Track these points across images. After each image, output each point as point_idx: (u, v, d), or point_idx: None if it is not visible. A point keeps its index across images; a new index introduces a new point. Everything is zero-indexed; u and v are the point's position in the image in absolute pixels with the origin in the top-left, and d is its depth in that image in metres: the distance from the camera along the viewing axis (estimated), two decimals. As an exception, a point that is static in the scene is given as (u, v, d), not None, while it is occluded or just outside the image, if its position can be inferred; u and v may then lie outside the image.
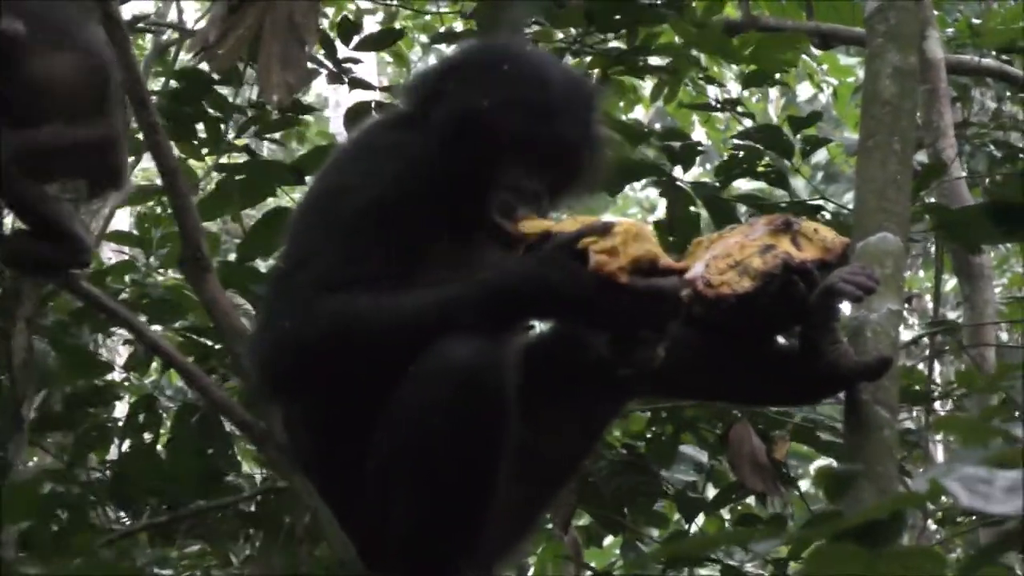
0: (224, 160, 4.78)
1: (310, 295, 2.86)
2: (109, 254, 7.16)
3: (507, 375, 2.84)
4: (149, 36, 7.07)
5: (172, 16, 8.05)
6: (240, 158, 4.81)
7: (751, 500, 5.30)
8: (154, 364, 5.06)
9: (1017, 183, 4.97)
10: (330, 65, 5.02)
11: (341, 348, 2.86)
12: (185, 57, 5.50)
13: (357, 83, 5.06)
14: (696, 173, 5.58)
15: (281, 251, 3.14)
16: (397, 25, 9.12)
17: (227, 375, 4.58)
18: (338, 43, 5.09)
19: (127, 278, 4.80)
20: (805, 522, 2.29)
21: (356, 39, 5.11)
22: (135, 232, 5.08)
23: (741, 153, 4.85)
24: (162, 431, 4.76)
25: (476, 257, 3.03)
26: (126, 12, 5.79)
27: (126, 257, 5.26)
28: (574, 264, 2.79)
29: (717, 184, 4.89)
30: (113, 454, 5.05)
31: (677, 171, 4.87)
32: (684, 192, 4.80)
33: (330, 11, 8.27)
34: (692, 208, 4.81)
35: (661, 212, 5.06)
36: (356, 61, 5.08)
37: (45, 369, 4.54)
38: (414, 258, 2.92)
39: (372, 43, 5.09)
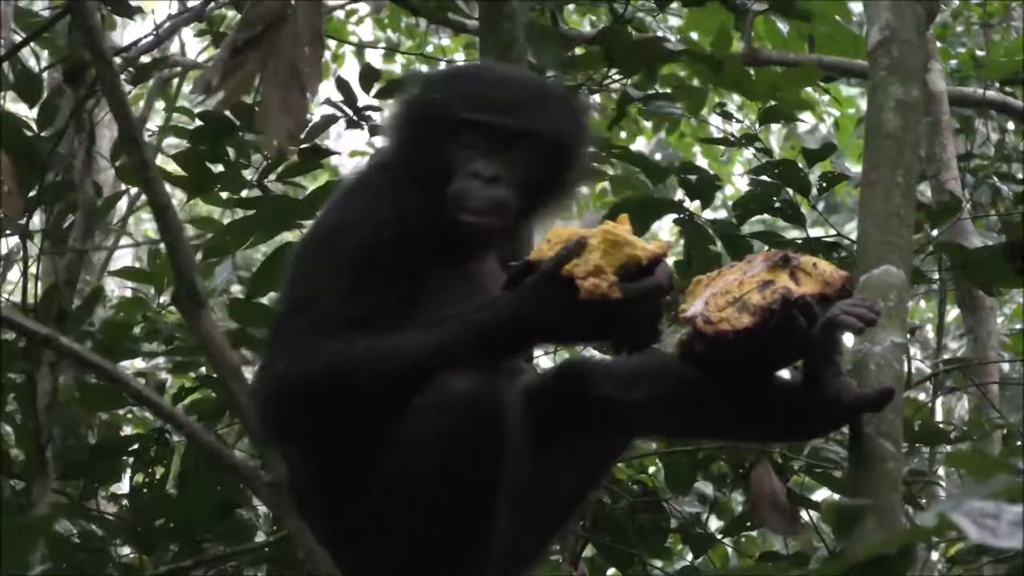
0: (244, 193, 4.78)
1: (308, 339, 2.87)
2: (114, 287, 7.18)
3: (506, 407, 2.85)
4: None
5: (175, 48, 8.08)
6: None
7: (755, 533, 5.29)
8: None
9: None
10: (349, 112, 5.03)
11: (339, 392, 2.87)
12: (187, 92, 5.52)
13: (377, 130, 5.08)
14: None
15: (280, 292, 3.15)
16: (399, 58, 9.19)
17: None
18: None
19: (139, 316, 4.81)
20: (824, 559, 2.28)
21: (376, 87, 5.13)
22: (144, 267, 5.07)
23: (758, 189, 4.83)
24: (173, 463, 4.74)
25: (475, 285, 3.05)
26: (126, 38, 5.80)
27: (132, 293, 5.26)
28: (563, 296, 2.80)
29: (734, 220, 4.86)
30: (124, 485, 5.06)
31: (695, 206, 4.86)
32: (702, 229, 4.78)
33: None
34: (711, 246, 4.78)
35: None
36: (377, 109, 5.09)
37: (70, 412, 4.56)
38: (411, 294, 2.93)
39: (392, 91, 5.10)
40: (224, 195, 4.74)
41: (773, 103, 5.12)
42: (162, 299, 4.86)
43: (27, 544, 1.69)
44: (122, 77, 4.73)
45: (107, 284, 6.39)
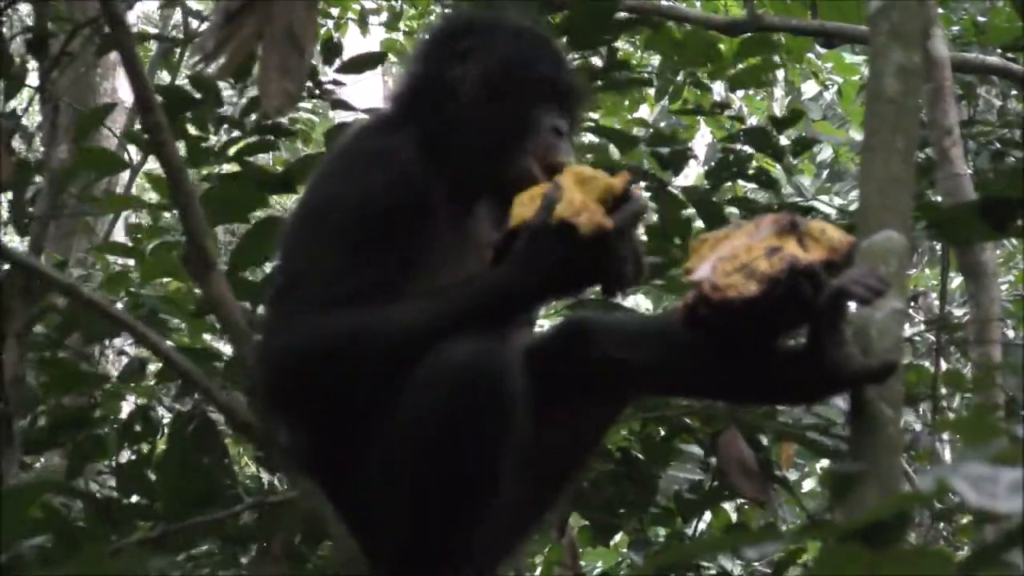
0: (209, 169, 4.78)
1: (307, 314, 2.88)
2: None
3: (508, 373, 2.85)
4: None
5: (177, 18, 8.06)
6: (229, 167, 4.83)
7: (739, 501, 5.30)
8: (149, 374, 5.07)
9: (1013, 178, 4.96)
10: (312, 86, 5.06)
11: (341, 366, 2.88)
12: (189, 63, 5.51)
13: (339, 104, 5.09)
14: (699, 173, 5.60)
15: (275, 265, 3.15)
16: (402, 25, 9.16)
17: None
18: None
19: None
20: (801, 526, 2.27)
21: (338, 62, 5.16)
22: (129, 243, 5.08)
23: (731, 156, 4.87)
24: (160, 439, 4.74)
25: (474, 247, 3.05)
26: (132, 15, 5.80)
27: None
28: (561, 243, 2.82)
29: (708, 187, 4.90)
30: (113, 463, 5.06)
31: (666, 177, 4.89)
32: (674, 196, 4.81)
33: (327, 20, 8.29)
34: (683, 212, 4.82)
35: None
36: (339, 84, 5.11)
37: (33, 388, 4.55)
38: (410, 262, 2.93)
39: (355, 66, 5.11)
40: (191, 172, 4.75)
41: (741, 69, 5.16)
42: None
43: (18, 513, 1.68)
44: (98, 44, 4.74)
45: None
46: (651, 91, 7.39)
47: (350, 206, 2.95)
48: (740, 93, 8.03)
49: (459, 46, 3.13)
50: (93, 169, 4.83)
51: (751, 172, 4.88)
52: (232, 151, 4.78)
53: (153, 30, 8.49)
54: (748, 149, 4.87)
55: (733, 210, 4.91)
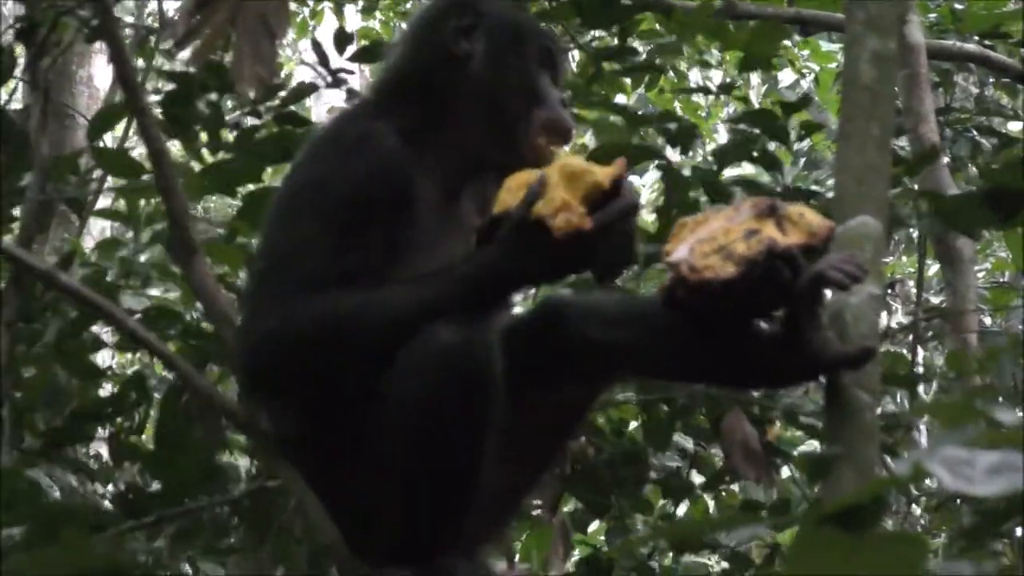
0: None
1: (292, 296, 2.87)
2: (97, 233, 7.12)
3: (491, 358, 2.86)
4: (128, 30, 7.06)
5: (153, 6, 8.03)
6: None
7: (736, 487, 5.31)
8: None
9: (1013, 169, 4.97)
10: (324, 74, 5.07)
11: (326, 349, 2.88)
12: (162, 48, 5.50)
13: (352, 93, 5.12)
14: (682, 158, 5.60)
15: (258, 245, 3.13)
16: (378, 14, 9.15)
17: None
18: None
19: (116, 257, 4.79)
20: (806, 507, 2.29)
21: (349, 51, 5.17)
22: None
23: (738, 137, 4.87)
24: (151, 411, 4.72)
25: (459, 231, 3.05)
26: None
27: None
28: (539, 239, 2.83)
29: (714, 168, 4.89)
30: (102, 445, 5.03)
31: (675, 157, 4.90)
32: (682, 176, 4.81)
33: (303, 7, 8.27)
34: (691, 193, 4.82)
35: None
36: (349, 72, 5.13)
37: (56, 385, 4.54)
38: (394, 247, 2.93)
39: (364, 56, 5.12)
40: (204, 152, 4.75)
41: (747, 53, 5.15)
42: (141, 239, 4.85)
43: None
44: (86, 32, 4.73)
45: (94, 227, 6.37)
46: (627, 80, 7.42)
47: (335, 190, 2.95)
48: (718, 79, 8.01)
49: (461, 23, 3.13)
50: (108, 171, 4.83)
51: (755, 155, 4.88)
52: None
53: (129, 18, 8.46)
54: (753, 131, 4.85)
55: (739, 191, 4.89)
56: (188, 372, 3.24)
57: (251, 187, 4.69)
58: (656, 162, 4.84)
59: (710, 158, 4.99)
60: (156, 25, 6.55)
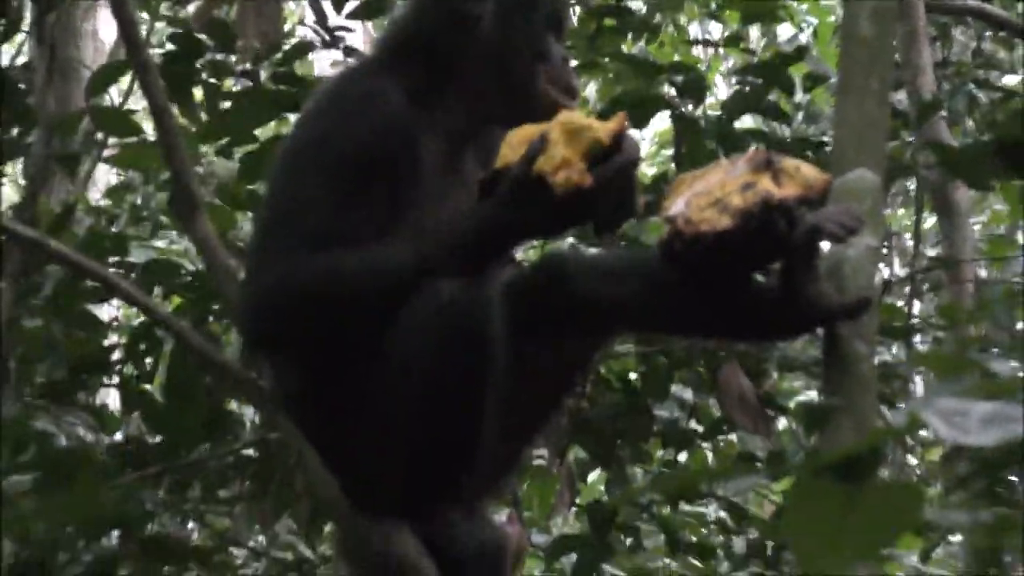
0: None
1: (293, 254, 2.86)
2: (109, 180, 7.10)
3: (492, 315, 2.86)
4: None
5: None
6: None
7: (734, 437, 5.32)
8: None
9: (1015, 121, 4.96)
10: (323, 32, 5.04)
11: (327, 306, 2.88)
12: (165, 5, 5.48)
13: (350, 51, 5.07)
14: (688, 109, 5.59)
15: (262, 201, 3.12)
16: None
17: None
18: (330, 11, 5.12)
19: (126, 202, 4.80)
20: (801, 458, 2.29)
21: (347, 8, 5.12)
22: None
23: (747, 88, 4.85)
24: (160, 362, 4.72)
25: (462, 186, 3.05)
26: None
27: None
28: (539, 196, 2.82)
29: (724, 118, 4.88)
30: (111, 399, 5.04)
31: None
32: (696, 124, 4.79)
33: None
34: (704, 142, 4.81)
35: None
36: (348, 30, 5.10)
37: (51, 338, 4.55)
38: (397, 203, 2.92)
39: (363, 12, 5.09)
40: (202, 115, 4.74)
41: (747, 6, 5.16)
42: (149, 188, 4.85)
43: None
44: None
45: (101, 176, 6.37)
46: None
47: (338, 147, 2.94)
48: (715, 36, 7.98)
49: None
50: (105, 130, 4.82)
51: (763, 107, 4.87)
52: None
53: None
54: (760, 82, 4.85)
55: (753, 143, 4.89)
56: (183, 330, 3.23)
57: (249, 148, 4.67)
58: (668, 112, 4.82)
59: (711, 112, 4.97)
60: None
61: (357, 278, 2.86)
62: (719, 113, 4.90)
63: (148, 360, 4.66)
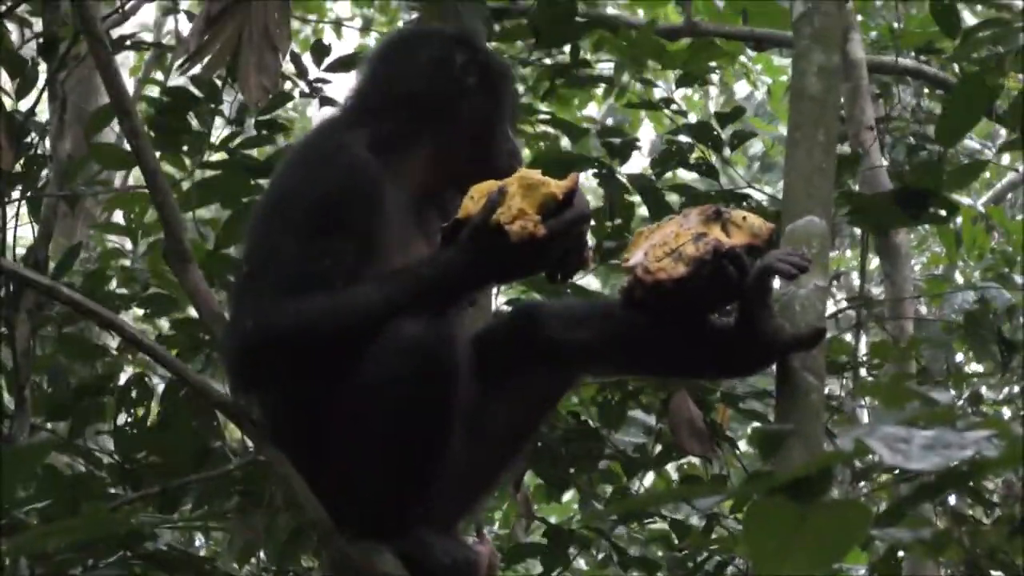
0: (206, 158, 4.79)
1: (271, 298, 2.89)
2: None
3: (452, 349, 2.90)
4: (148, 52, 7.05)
5: (170, 25, 8.01)
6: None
7: (692, 459, 5.32)
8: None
9: (931, 171, 5.01)
10: (303, 85, 5.07)
11: (303, 345, 2.91)
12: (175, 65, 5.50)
13: (327, 101, 5.09)
14: (645, 164, 5.64)
15: (243, 251, 3.13)
16: (373, 32, 9.15)
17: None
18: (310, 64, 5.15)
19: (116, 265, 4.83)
20: (743, 480, 2.29)
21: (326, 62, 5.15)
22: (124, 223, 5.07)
23: (675, 148, 4.94)
24: (153, 405, 4.73)
25: (424, 234, 3.07)
26: (127, 27, 5.77)
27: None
28: (496, 242, 2.85)
29: (653, 176, 4.97)
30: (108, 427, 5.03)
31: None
32: (621, 183, 4.86)
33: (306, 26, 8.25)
34: (628, 197, 4.93)
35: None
36: (326, 81, 5.13)
37: (54, 361, 4.56)
38: (365, 249, 2.93)
39: (341, 65, 5.11)
40: (188, 162, 4.76)
41: (686, 71, 5.24)
42: (139, 250, 4.88)
43: (23, 472, 1.67)
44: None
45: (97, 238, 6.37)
46: (599, 91, 7.43)
47: (308, 199, 2.97)
48: (680, 93, 8.04)
49: (466, 59, 3.16)
50: (103, 164, 4.91)
51: (692, 162, 4.95)
52: (234, 144, 4.81)
53: (148, 36, 8.44)
54: (690, 141, 4.93)
55: (675, 197, 4.96)
56: (183, 370, 3.23)
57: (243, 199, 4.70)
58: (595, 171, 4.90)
59: (650, 168, 5.08)
60: (173, 43, 6.55)
61: (327, 320, 2.89)
62: (645, 173, 5.02)
63: (141, 409, 4.67)
